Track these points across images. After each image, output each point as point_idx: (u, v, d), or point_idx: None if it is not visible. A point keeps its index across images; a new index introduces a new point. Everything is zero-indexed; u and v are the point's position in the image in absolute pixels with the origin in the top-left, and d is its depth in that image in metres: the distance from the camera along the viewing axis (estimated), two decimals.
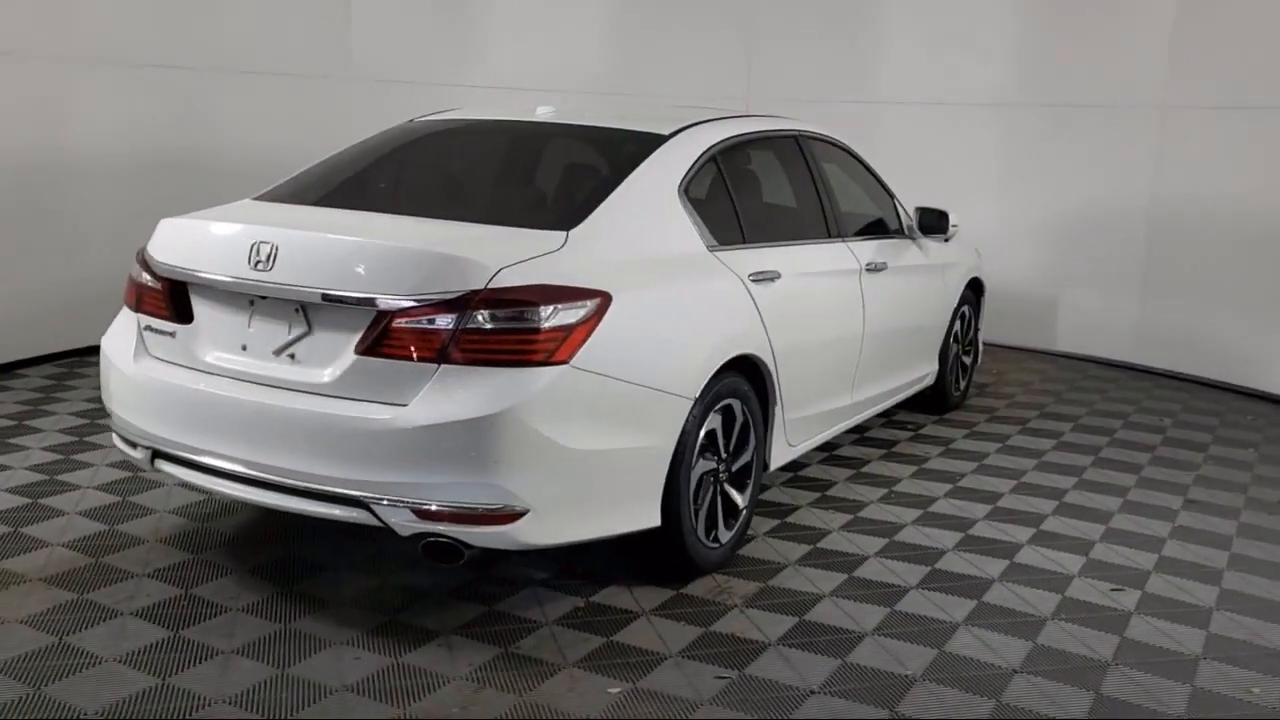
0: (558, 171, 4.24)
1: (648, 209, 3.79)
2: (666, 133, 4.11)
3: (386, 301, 3.20)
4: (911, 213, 5.79)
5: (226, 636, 3.37)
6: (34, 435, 5.26)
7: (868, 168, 5.55)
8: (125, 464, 4.84)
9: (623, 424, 3.44)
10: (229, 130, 7.56)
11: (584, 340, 3.26)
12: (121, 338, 3.77)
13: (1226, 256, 7.31)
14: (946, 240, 5.94)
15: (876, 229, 5.41)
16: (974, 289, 6.51)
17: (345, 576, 3.83)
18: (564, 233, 3.48)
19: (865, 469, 5.28)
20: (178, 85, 7.26)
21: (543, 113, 4.50)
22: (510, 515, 3.17)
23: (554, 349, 3.20)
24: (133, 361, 3.66)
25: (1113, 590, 3.96)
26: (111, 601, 3.57)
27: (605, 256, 3.51)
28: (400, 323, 3.20)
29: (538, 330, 3.17)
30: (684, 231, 3.89)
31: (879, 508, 4.73)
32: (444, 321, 3.17)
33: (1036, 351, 8.32)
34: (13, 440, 5.15)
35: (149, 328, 3.69)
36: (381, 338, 3.22)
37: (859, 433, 5.81)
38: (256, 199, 4.09)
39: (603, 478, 3.41)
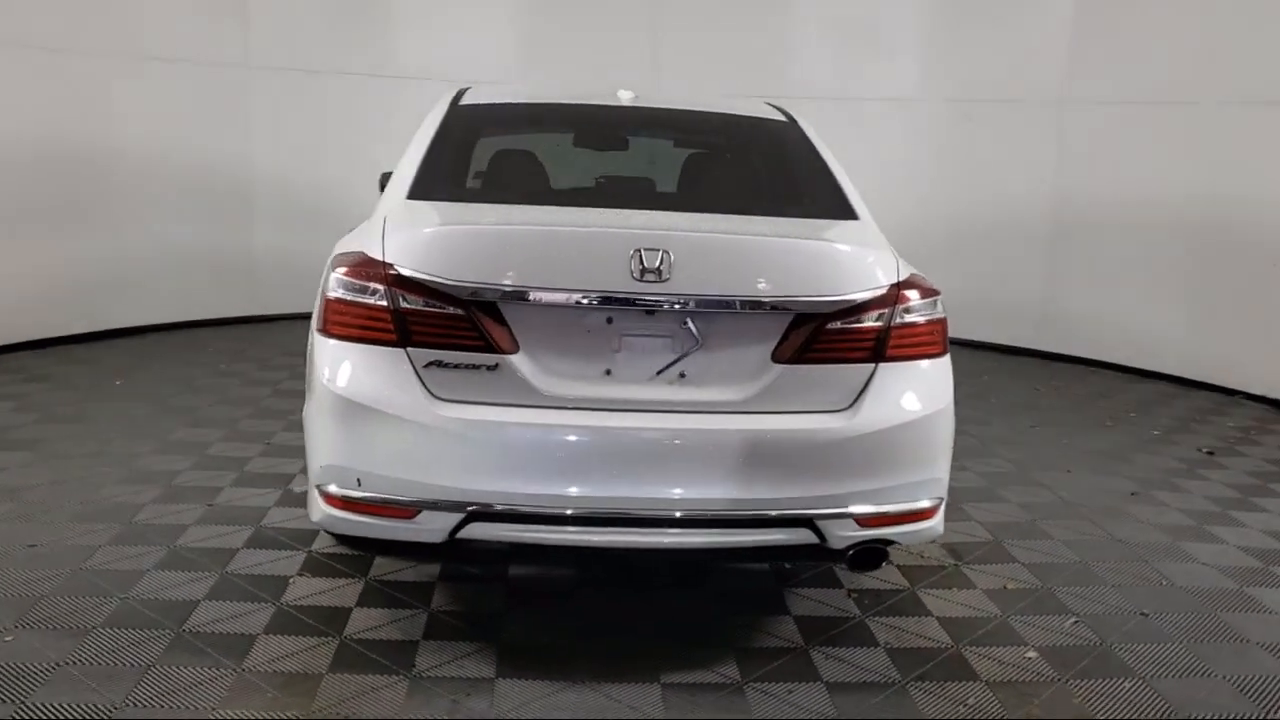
0: (750, 158, 4.01)
1: (856, 192, 3.83)
2: (785, 117, 4.13)
3: (820, 304, 2.97)
4: None
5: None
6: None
7: None
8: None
9: None
10: (124, 119, 7.38)
11: None
12: (377, 382, 2.90)
13: (1129, 247, 7.40)
14: None
15: None
16: None
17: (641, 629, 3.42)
18: (861, 221, 3.45)
19: None
20: (70, 70, 6.98)
21: (626, 97, 4.20)
22: (936, 508, 3.16)
23: (946, 336, 3.22)
24: (428, 408, 2.88)
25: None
26: None
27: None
28: (836, 324, 2.99)
29: (943, 320, 3.17)
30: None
31: None
32: (875, 319, 3.04)
33: None
34: None
35: (438, 363, 2.92)
36: (811, 342, 2.98)
37: None
38: (412, 199, 3.37)
39: None
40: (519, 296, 2.89)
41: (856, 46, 8.47)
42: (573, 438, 2.89)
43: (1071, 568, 3.99)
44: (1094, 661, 3.26)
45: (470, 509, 2.88)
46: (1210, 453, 5.68)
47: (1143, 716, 2.95)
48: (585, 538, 2.96)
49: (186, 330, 7.84)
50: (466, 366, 2.91)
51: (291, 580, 3.57)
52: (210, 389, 6.10)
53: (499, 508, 2.88)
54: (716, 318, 2.97)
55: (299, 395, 5.94)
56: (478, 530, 2.93)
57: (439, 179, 3.51)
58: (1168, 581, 3.89)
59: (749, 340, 2.99)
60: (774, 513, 2.95)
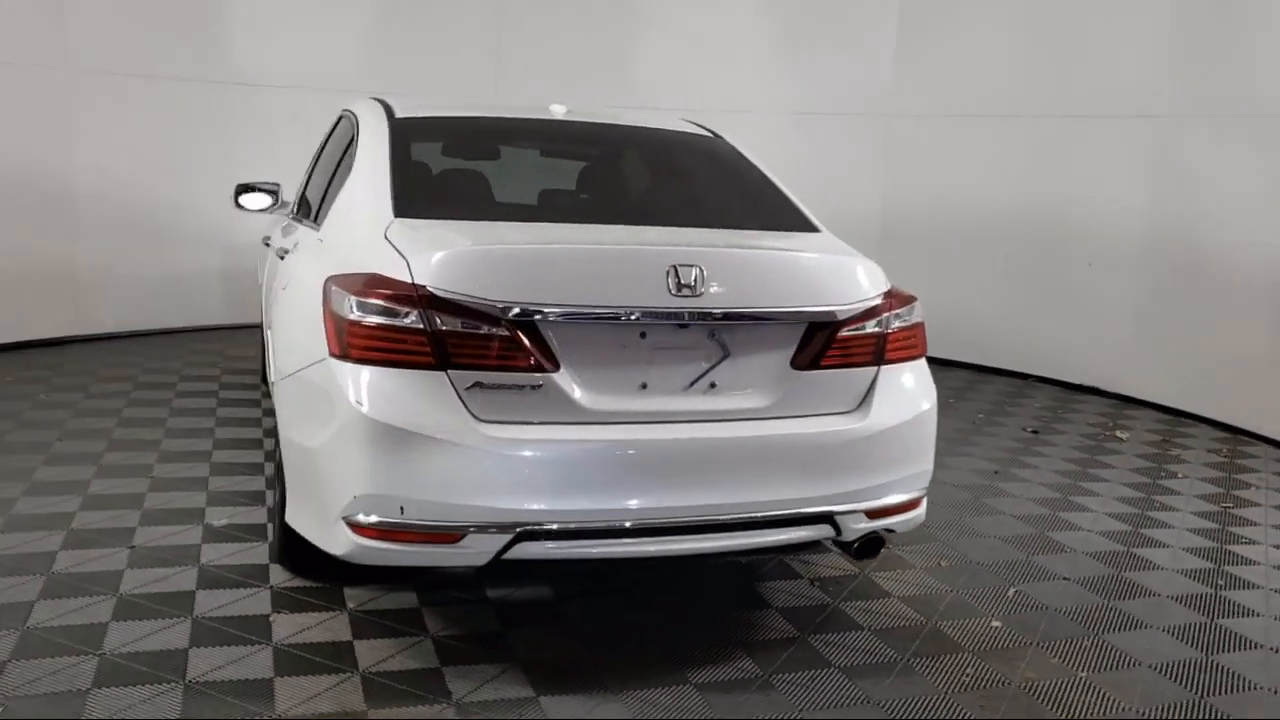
0: (701, 173, 4.10)
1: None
2: (710, 133, 4.32)
3: (835, 312, 3.17)
4: None
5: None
6: None
7: None
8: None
9: None
10: None
11: None
12: (419, 406, 2.83)
13: (946, 249, 7.96)
14: None
15: None
16: None
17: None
18: (824, 233, 3.68)
19: None
20: None
21: (556, 111, 4.24)
22: (923, 497, 3.43)
23: (925, 339, 3.50)
24: (476, 430, 2.85)
25: None
26: None
27: None
28: (847, 331, 3.20)
29: (923, 323, 3.45)
30: None
31: None
32: (875, 325, 3.27)
33: None
34: None
35: (480, 385, 2.89)
36: (825, 349, 3.17)
37: None
38: (402, 218, 3.29)
39: None
40: (562, 315, 2.91)
41: (700, 59, 8.75)
42: (619, 452, 2.95)
43: (986, 542, 4.40)
44: (1049, 625, 3.64)
45: (521, 529, 2.88)
46: (1035, 431, 6.35)
47: (1113, 666, 3.34)
48: (633, 549, 3.03)
49: None
50: (511, 387, 2.91)
51: (272, 619, 3.40)
52: (46, 422, 5.57)
53: (551, 526, 2.90)
54: (741, 329, 3.11)
55: (152, 423, 5.56)
56: (525, 550, 2.93)
57: (420, 195, 3.46)
58: (1069, 548, 4.38)
59: (770, 349, 3.14)
60: (802, 511, 3.12)
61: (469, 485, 2.85)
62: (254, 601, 3.51)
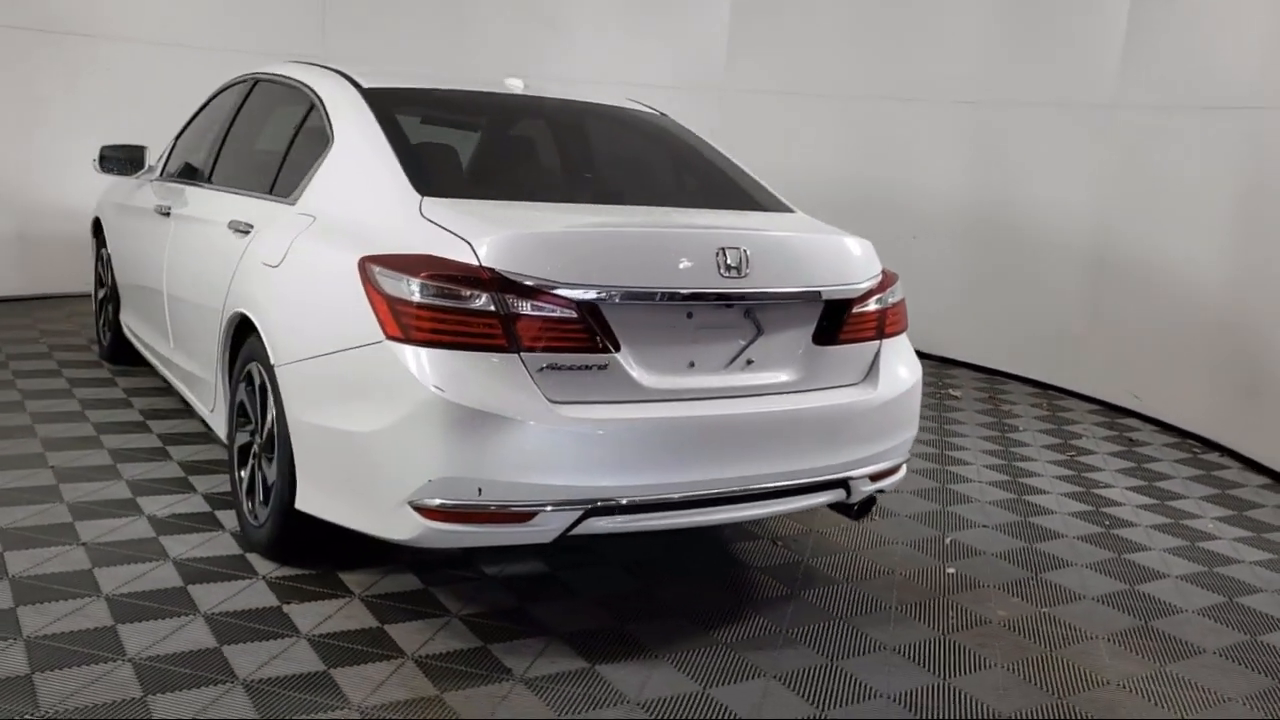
0: (675, 153, 4.17)
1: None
2: (656, 111, 4.46)
3: (851, 290, 3.41)
4: None
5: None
6: None
7: None
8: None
9: None
10: None
11: None
12: (495, 388, 2.83)
13: None
14: None
15: None
16: None
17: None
18: (799, 213, 3.92)
19: None
20: None
21: (514, 85, 4.22)
22: (907, 459, 3.76)
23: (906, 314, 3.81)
24: (550, 410, 2.89)
25: None
26: None
27: None
28: (859, 308, 3.44)
29: (904, 299, 3.76)
30: None
31: None
32: (877, 302, 3.54)
33: None
34: None
35: (552, 366, 2.92)
36: (839, 325, 3.40)
37: None
38: (432, 197, 3.24)
39: None
40: (624, 296, 2.99)
41: (536, 28, 8.78)
42: (678, 427, 3.07)
43: (900, 497, 4.81)
44: (994, 569, 4.07)
45: (591, 505, 2.96)
46: None
47: (1064, 600, 3.80)
48: (685, 519, 3.16)
49: None
50: (579, 368, 2.96)
51: (286, 610, 3.28)
52: None
53: (619, 501, 2.99)
54: (774, 308, 3.29)
55: (11, 408, 5.05)
56: (590, 525, 3.01)
57: (433, 172, 3.41)
58: (972, 498, 4.87)
59: (796, 326, 3.34)
60: (827, 478, 3.36)
61: (545, 465, 2.89)
62: (254, 594, 3.37)
